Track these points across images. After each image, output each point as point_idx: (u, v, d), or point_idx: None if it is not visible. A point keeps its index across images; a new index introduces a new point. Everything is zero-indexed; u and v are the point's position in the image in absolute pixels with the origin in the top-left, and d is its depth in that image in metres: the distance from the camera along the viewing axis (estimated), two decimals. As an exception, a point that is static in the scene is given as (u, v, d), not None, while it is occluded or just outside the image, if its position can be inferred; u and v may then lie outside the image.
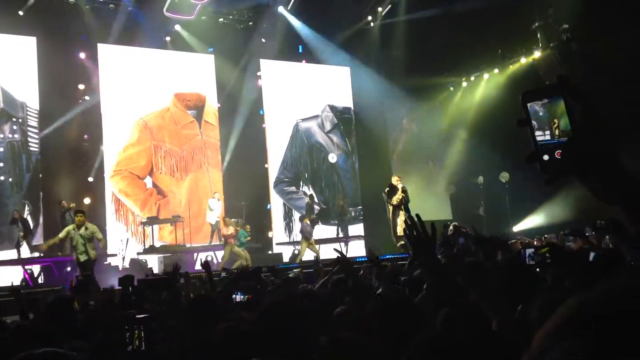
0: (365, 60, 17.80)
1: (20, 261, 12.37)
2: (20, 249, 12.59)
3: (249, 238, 13.91)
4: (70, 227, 10.07)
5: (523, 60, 17.12)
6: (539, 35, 16.31)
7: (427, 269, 2.42)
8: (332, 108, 18.26)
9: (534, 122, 1.01)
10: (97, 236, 10.09)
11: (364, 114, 18.35)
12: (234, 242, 13.46)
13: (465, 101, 19.03)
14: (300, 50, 17.84)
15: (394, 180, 12.94)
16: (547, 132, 0.99)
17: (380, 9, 17.82)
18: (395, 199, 12.35)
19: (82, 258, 9.78)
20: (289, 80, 17.63)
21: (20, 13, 13.75)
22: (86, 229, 9.89)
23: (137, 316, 3.31)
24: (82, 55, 14.66)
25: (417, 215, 2.42)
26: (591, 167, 0.93)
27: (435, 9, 15.78)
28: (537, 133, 1.00)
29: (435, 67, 18.00)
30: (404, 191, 12.44)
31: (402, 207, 12.29)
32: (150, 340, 3.13)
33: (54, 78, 13.83)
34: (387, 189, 12.84)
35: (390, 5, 17.59)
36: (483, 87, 18.52)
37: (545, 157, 0.98)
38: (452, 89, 19.58)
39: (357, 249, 15.90)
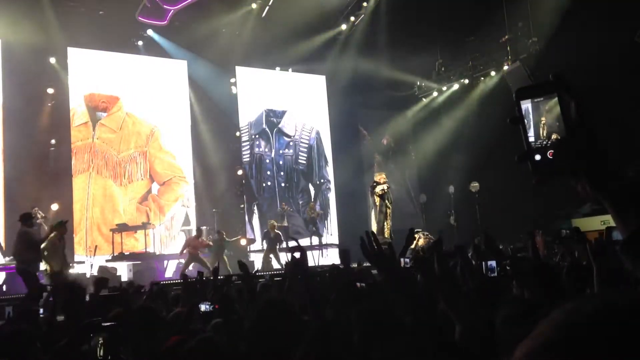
0: (339, 69, 17.89)
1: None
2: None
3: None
4: (53, 236, 9.83)
5: (493, 73, 17.40)
6: (508, 48, 16.59)
7: (392, 285, 2.33)
8: (306, 116, 18.37)
9: (525, 121, 0.98)
10: None
11: (338, 123, 18.45)
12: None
13: (435, 111, 19.24)
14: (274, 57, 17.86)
15: (377, 177, 13.94)
16: (539, 130, 0.96)
17: (353, 18, 17.95)
18: (380, 190, 13.45)
19: (56, 268, 9.63)
20: (263, 87, 17.66)
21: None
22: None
23: (104, 324, 3.26)
24: (52, 59, 14.41)
25: (371, 232, 2.40)
26: (583, 167, 0.92)
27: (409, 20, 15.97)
28: (530, 131, 0.97)
29: (407, 77, 18.20)
30: (385, 183, 13.48)
31: (387, 199, 13.31)
32: (115, 348, 3.08)
33: (21, 81, 13.49)
34: (373, 183, 13.98)
35: (363, 15, 17.72)
36: (454, 97, 18.74)
37: (537, 157, 0.95)
38: (424, 100, 19.77)
39: (334, 258, 15.87)
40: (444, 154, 18.18)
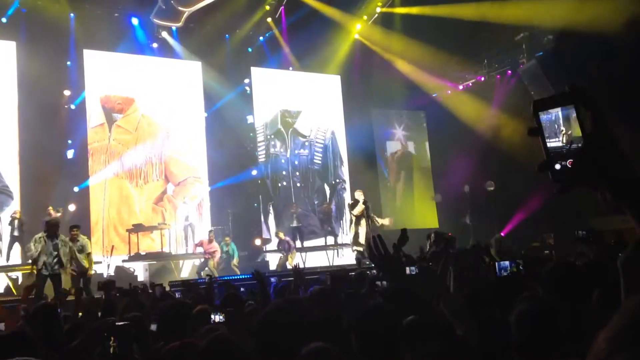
0: (355, 70, 17.90)
1: (3, 268, 12.25)
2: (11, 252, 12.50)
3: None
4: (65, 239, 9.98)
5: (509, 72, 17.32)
6: (523, 46, 16.48)
7: (396, 288, 2.34)
8: (321, 116, 18.39)
9: (545, 130, 0.99)
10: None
11: (354, 122, 18.45)
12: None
13: (450, 110, 19.15)
14: (288, 58, 17.90)
15: (357, 194, 13.74)
16: (558, 140, 0.98)
17: (366, 17, 17.95)
18: (357, 211, 13.28)
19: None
20: (278, 87, 17.72)
21: (4, 20, 13.62)
22: (78, 241, 10.00)
23: (117, 323, 3.27)
24: (68, 61, 14.56)
25: (378, 235, 2.35)
26: (603, 176, 0.92)
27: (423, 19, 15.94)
28: (549, 141, 0.98)
29: (423, 75, 18.14)
30: (364, 203, 13.29)
31: (364, 218, 13.21)
32: (127, 348, 3.09)
33: (36, 83, 13.54)
34: (351, 202, 13.98)
35: (376, 15, 17.70)
36: (468, 96, 18.64)
37: (557, 167, 0.97)
38: (439, 99, 19.67)
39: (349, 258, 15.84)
40: (459, 152, 18.07)
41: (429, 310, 2.27)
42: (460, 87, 18.93)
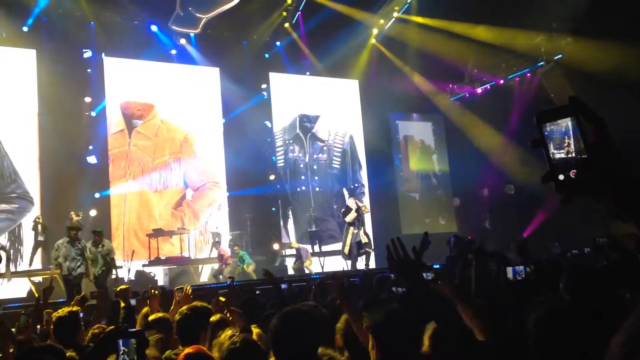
0: (373, 75, 17.89)
1: (26, 273, 12.42)
2: (34, 257, 12.69)
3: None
4: (89, 244, 10.13)
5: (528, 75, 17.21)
6: (542, 49, 16.35)
7: (416, 293, 2.29)
8: (339, 121, 18.42)
9: (549, 141, 1.01)
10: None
11: (372, 127, 18.46)
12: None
13: (468, 114, 19.05)
14: (306, 63, 17.95)
15: (349, 202, 14.24)
16: (562, 152, 0.99)
17: (382, 21, 17.95)
18: (350, 218, 13.73)
19: (95, 273, 9.92)
20: (296, 92, 17.78)
21: (25, 29, 13.83)
22: (103, 246, 10.14)
23: (130, 330, 3.28)
24: (89, 69, 14.75)
25: (397, 238, 2.30)
26: (606, 186, 0.94)
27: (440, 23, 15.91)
28: (553, 151, 1.00)
29: (441, 79, 18.10)
30: (357, 211, 13.68)
31: (354, 225, 13.68)
32: (141, 355, 3.10)
33: (57, 91, 13.71)
34: (343, 209, 14.44)
35: (393, 19, 17.69)
36: (487, 100, 18.54)
37: (561, 177, 0.98)
38: (457, 102, 19.60)
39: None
40: (478, 156, 17.97)
41: (449, 315, 2.25)
42: (479, 90, 18.82)
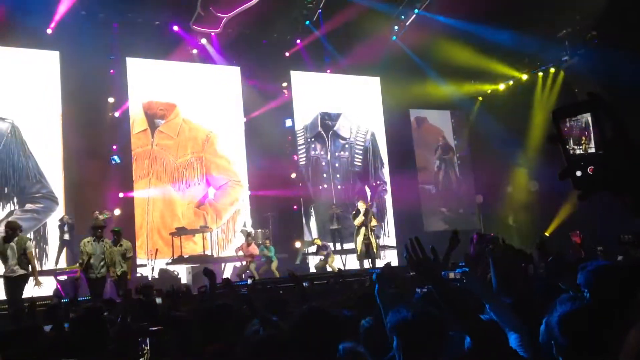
0: (394, 71, 17.78)
1: (51, 272, 12.60)
2: (60, 256, 12.88)
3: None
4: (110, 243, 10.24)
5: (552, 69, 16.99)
6: (566, 43, 16.13)
7: (437, 294, 2.21)
8: (360, 118, 18.38)
9: (567, 138, 1.00)
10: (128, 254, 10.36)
11: (394, 124, 18.40)
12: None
13: (491, 110, 18.88)
14: (327, 61, 17.93)
15: (359, 204, 14.17)
16: (580, 148, 0.98)
17: (403, 17, 17.84)
18: (357, 221, 13.75)
19: (119, 272, 10.02)
20: (318, 90, 17.78)
21: (49, 31, 14.01)
22: (121, 245, 10.20)
23: (151, 328, 3.31)
24: (111, 69, 14.91)
25: (416, 238, 2.25)
26: (623, 182, 0.93)
27: (462, 19, 15.76)
28: (572, 147, 0.99)
29: (463, 76, 17.96)
30: (365, 214, 13.64)
31: (363, 227, 13.63)
32: (161, 352, 3.13)
33: (80, 92, 13.91)
34: (354, 212, 14.36)
35: (414, 16, 17.57)
36: (510, 95, 18.36)
37: (578, 174, 0.98)
38: (480, 98, 19.45)
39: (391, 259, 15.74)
40: (502, 152, 17.81)
41: (473, 317, 2.22)
42: (502, 86, 18.64)
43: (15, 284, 8.91)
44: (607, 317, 1.96)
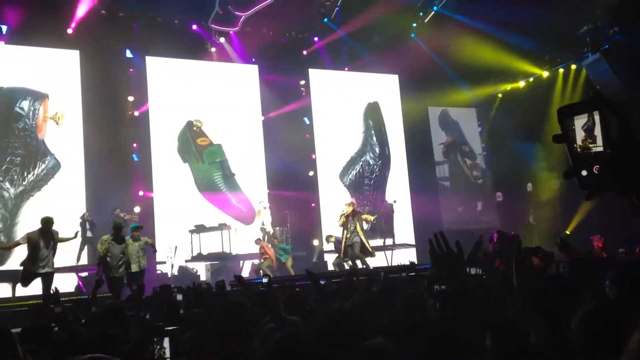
0: (413, 69, 17.70)
1: (73, 268, 12.76)
2: (82, 253, 13.03)
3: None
4: (130, 240, 10.31)
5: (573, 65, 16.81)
6: (588, 39, 15.92)
7: (458, 288, 2.22)
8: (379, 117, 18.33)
9: (573, 137, 0.99)
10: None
11: (412, 121, 18.34)
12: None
13: (511, 107, 18.72)
14: (345, 58, 17.90)
15: (345, 207, 13.69)
16: (586, 147, 0.98)
17: (422, 15, 17.76)
18: (339, 222, 13.48)
19: (134, 268, 10.07)
20: (336, 88, 17.75)
21: (69, 31, 14.14)
22: (140, 241, 10.33)
23: (166, 328, 3.32)
24: (131, 68, 15.03)
25: (440, 232, 2.25)
26: (629, 181, 0.92)
27: (481, 16, 15.66)
28: (578, 145, 0.98)
29: (482, 73, 17.83)
30: (350, 215, 13.26)
31: (345, 230, 13.32)
32: (177, 351, 3.14)
33: (100, 90, 14.07)
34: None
35: (432, 14, 17.48)
36: (530, 92, 18.19)
37: (584, 173, 0.97)
38: (500, 95, 19.29)
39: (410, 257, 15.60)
40: (522, 150, 17.66)
41: (493, 314, 2.21)
42: (522, 83, 18.46)
43: (50, 280, 9.11)
44: (632, 316, 1.93)
